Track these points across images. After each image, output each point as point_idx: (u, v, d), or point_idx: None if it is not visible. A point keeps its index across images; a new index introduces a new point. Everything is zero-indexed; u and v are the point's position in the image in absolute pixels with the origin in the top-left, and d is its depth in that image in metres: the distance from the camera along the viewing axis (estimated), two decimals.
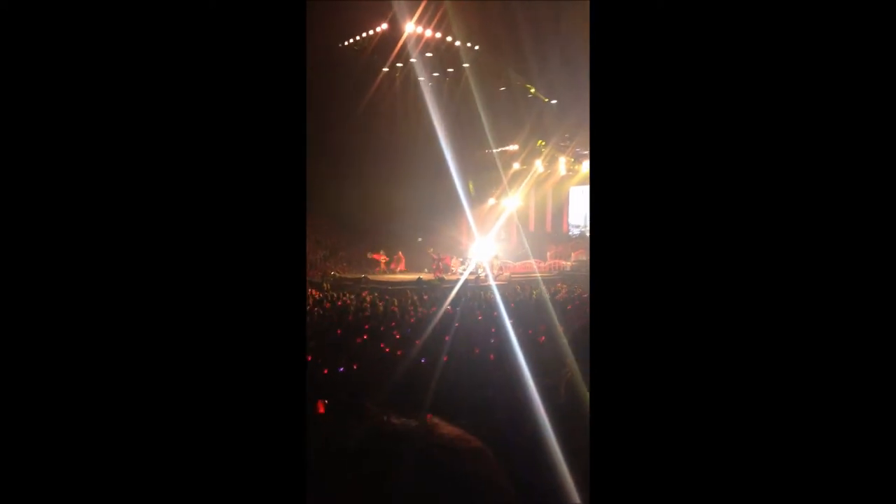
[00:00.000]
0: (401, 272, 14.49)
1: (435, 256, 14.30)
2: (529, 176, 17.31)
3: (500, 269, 14.18)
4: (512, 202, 17.35)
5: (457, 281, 11.80)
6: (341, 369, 3.84)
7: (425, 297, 9.17)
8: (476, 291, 9.85)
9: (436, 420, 0.93)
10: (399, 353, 4.42)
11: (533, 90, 16.01)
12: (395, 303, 7.65)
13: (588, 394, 1.64)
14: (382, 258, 14.67)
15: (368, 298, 8.22)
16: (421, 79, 15.69)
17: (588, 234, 16.66)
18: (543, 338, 5.02)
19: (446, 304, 7.33)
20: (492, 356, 3.96)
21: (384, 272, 14.27)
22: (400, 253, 15.03)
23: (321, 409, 2.58)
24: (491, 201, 17.53)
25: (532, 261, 15.40)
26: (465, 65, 15.65)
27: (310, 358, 3.97)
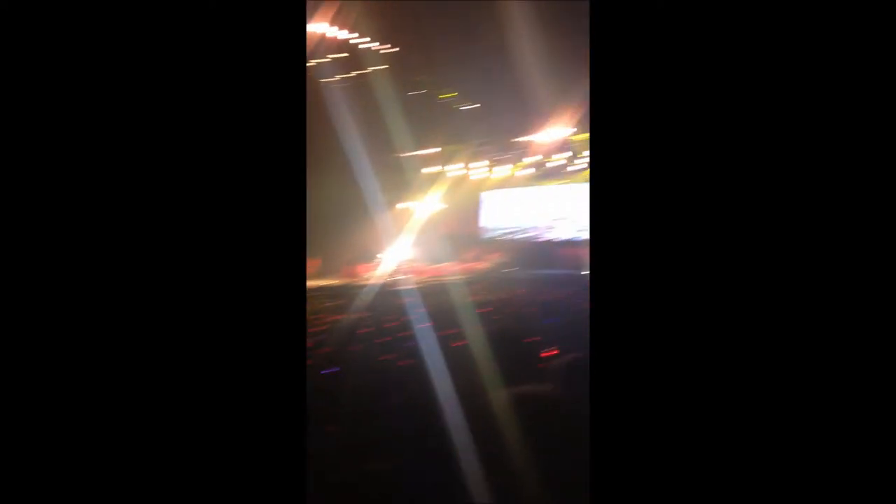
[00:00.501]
0: (313, 277, 14.06)
1: (345, 261, 14.06)
2: (443, 179, 17.39)
3: (415, 272, 14.10)
4: (427, 205, 17.32)
5: (369, 285, 11.61)
6: None
7: (339, 302, 8.93)
8: (388, 296, 9.71)
9: None
10: (309, 361, 4.20)
11: (445, 95, 16.10)
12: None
13: (497, 397, 1.61)
14: None
15: None
16: (329, 79, 15.35)
17: (502, 236, 16.92)
18: (462, 342, 4.96)
19: (357, 309, 7.15)
20: (401, 362, 3.86)
21: None
22: (317, 259, 14.58)
23: None
24: (404, 204, 17.44)
25: (446, 263, 15.42)
26: (377, 67, 15.48)
27: None
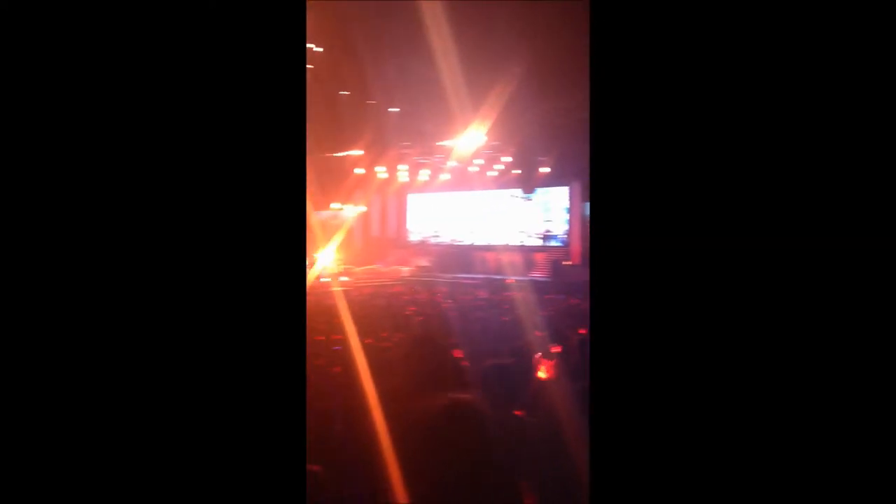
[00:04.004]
0: None
1: None
2: (372, 182, 17.51)
3: (342, 273, 14.22)
4: (354, 208, 17.45)
5: None
6: None
7: None
8: (319, 297, 9.81)
9: None
10: None
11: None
12: None
13: (429, 404, 1.53)
14: None
15: None
16: None
17: (427, 239, 17.26)
18: (388, 345, 5.21)
19: None
20: (336, 368, 4.08)
21: None
22: None
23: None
24: (335, 206, 17.45)
25: (374, 266, 15.65)
26: (308, 66, 15.45)
27: None
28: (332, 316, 7.27)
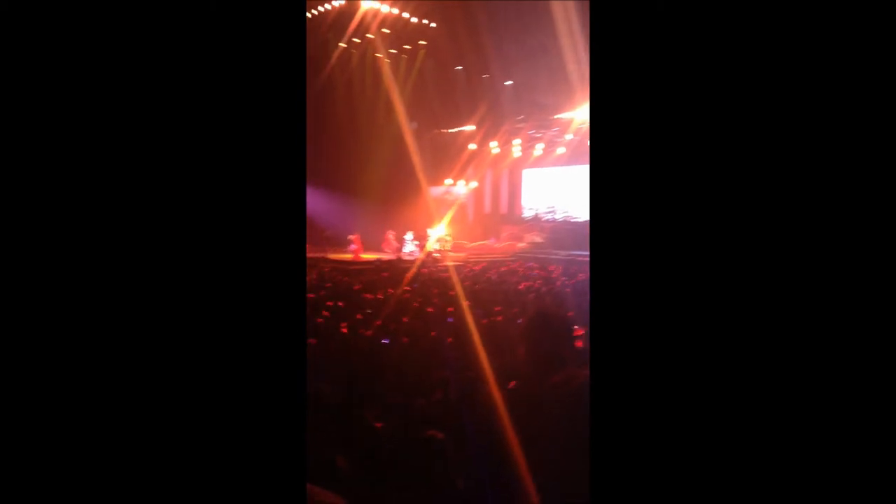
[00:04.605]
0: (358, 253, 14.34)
1: (385, 236, 14.38)
2: (484, 157, 17.48)
3: (455, 249, 14.39)
4: (467, 183, 17.55)
5: (413, 260, 11.92)
6: None
7: (384, 274, 9.26)
8: (432, 271, 10.01)
9: None
10: (359, 332, 4.53)
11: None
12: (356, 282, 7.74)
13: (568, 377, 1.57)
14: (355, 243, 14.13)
15: (328, 277, 8.25)
16: (378, 55, 15.56)
17: (540, 215, 17.00)
18: (501, 318, 5.20)
19: (404, 285, 7.47)
20: (449, 339, 4.12)
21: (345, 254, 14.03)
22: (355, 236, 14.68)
23: None
24: (447, 182, 17.64)
25: (486, 242, 15.69)
26: (422, 42, 15.62)
27: None
28: (444, 289, 7.40)
